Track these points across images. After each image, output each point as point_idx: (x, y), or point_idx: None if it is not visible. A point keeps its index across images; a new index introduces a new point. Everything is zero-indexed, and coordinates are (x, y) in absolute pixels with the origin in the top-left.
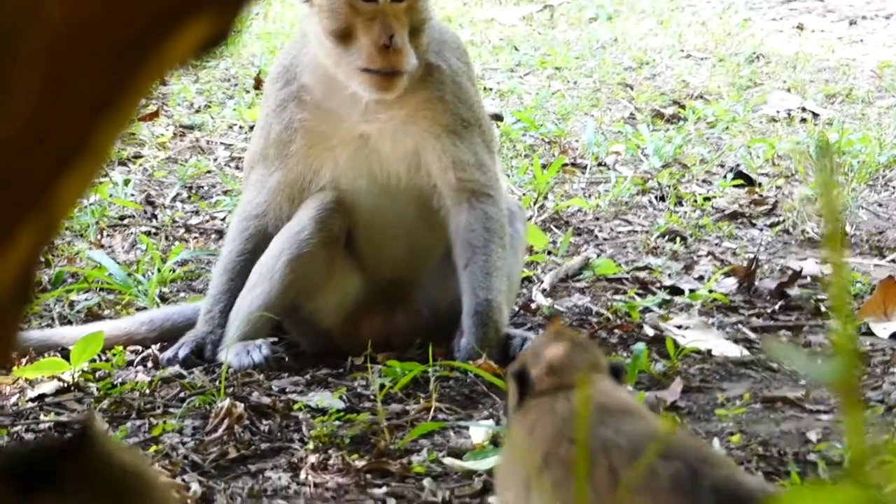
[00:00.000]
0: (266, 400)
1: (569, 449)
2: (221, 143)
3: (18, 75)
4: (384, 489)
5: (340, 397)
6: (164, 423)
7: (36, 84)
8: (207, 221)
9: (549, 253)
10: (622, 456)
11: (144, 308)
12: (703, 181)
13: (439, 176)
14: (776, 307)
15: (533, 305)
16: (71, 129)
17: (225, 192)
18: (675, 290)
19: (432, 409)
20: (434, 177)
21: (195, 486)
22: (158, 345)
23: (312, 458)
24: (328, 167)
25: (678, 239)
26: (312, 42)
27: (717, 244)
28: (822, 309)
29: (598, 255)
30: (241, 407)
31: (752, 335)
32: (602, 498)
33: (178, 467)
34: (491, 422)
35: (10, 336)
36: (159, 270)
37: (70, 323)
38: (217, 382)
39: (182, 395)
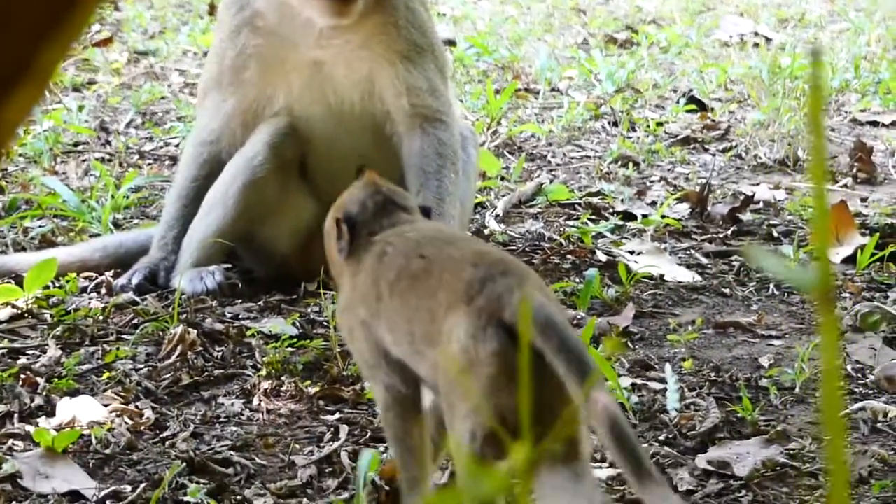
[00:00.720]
0: (219, 326)
1: (418, 263)
2: (176, 70)
3: None
4: (336, 416)
5: (293, 324)
6: (118, 349)
7: None
8: (161, 148)
9: (503, 178)
10: (454, 266)
11: (98, 235)
12: (656, 106)
13: (392, 102)
14: (728, 232)
15: (486, 231)
16: (12, 53)
17: (179, 119)
18: (628, 216)
19: None
20: (387, 103)
21: (148, 413)
22: (112, 271)
23: (265, 385)
24: (282, 94)
25: (631, 164)
26: None
27: (669, 169)
28: (775, 234)
29: (551, 181)
30: (194, 333)
31: (704, 260)
32: (431, 301)
33: (131, 394)
34: None
35: None
36: (113, 197)
37: (24, 249)
38: (170, 309)
39: (135, 321)
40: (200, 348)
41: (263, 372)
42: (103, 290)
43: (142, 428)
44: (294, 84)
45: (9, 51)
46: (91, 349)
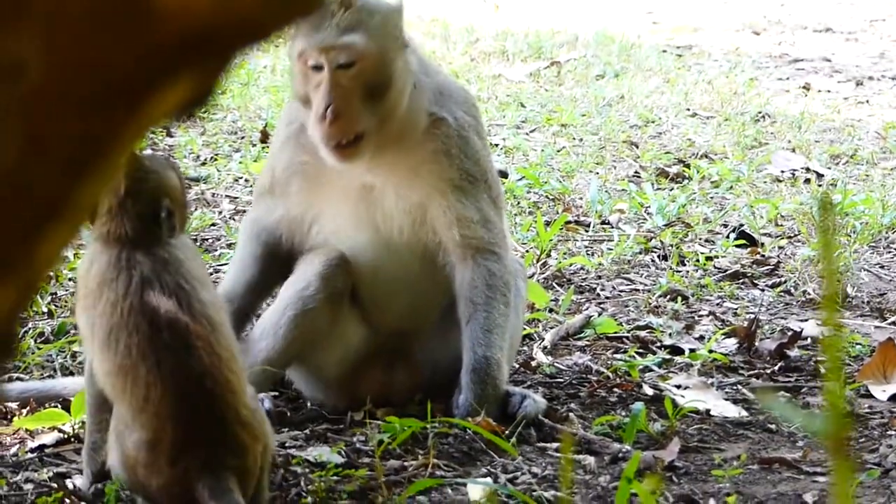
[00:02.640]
0: None
1: (110, 299)
2: (227, 196)
3: None
4: None
5: (339, 452)
6: None
7: (15, 139)
8: (211, 274)
9: (551, 311)
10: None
11: None
12: (706, 241)
13: (444, 232)
14: (776, 368)
15: (533, 363)
16: (49, 187)
17: (229, 246)
18: (676, 350)
19: (430, 466)
20: (439, 233)
21: None
22: None
23: None
24: (330, 215)
25: (679, 298)
26: None
27: (718, 304)
28: (822, 370)
29: (600, 314)
30: None
31: (751, 396)
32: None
33: None
34: (489, 479)
35: None
36: None
37: (72, 374)
38: None
39: None
40: None
41: (309, 500)
42: None
43: None
44: (342, 208)
45: (44, 190)
46: None
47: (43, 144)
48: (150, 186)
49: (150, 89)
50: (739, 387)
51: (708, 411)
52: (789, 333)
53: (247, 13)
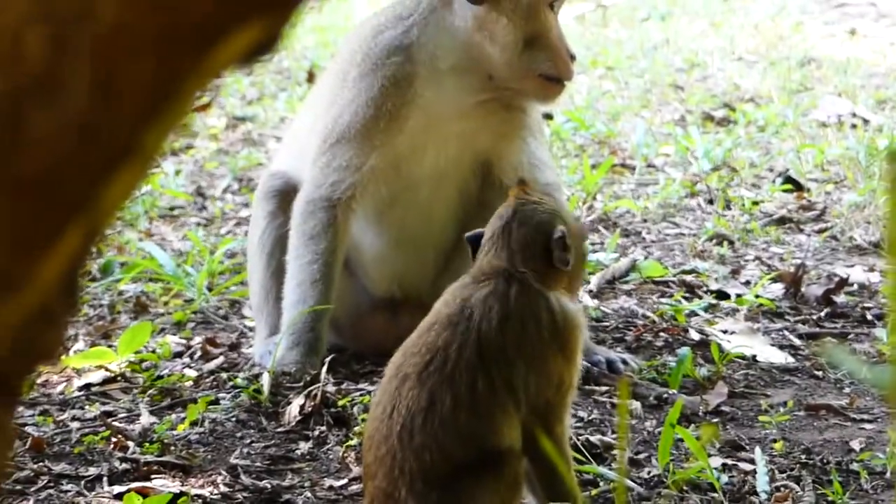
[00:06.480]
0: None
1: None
2: (273, 136)
3: (69, 69)
4: None
5: None
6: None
7: (85, 80)
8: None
9: (596, 253)
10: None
11: (193, 300)
12: (752, 185)
13: (509, 174)
14: (822, 314)
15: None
16: (119, 130)
17: None
18: (722, 295)
19: None
20: (505, 175)
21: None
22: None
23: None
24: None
25: (725, 243)
26: (483, 41)
27: (764, 249)
28: (868, 317)
29: (646, 258)
30: None
31: (797, 342)
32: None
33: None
34: None
35: (56, 335)
36: (209, 262)
37: (118, 313)
38: None
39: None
40: None
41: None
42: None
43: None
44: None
45: (114, 133)
46: (182, 414)
47: (113, 87)
48: (544, 211)
49: (220, 34)
50: (786, 332)
51: (754, 357)
52: (836, 279)
53: None
